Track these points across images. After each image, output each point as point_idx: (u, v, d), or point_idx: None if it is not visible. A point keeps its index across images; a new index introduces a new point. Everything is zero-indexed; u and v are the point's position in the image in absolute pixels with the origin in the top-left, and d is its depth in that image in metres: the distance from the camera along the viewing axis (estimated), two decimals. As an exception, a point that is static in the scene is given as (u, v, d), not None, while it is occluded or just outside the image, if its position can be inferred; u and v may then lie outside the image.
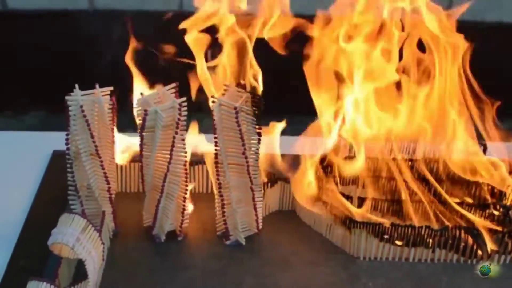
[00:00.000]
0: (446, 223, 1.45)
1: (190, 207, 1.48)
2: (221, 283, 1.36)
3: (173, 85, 1.37)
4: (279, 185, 1.55)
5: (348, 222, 1.43)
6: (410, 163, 1.60)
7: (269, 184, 1.53)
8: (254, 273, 1.39)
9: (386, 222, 1.43)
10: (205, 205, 1.52)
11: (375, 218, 1.45)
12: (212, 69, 1.45)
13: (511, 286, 1.40)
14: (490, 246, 1.42)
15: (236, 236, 1.46)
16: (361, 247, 1.43)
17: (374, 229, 1.42)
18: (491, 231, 1.43)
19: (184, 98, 1.33)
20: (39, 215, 1.51)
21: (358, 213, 1.45)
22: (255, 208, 1.45)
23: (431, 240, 1.42)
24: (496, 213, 1.49)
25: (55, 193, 1.52)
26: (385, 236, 1.41)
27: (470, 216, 1.48)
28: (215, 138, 1.38)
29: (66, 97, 1.33)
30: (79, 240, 1.22)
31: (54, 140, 1.48)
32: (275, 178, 1.55)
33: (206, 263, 1.42)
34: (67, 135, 1.35)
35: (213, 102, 1.36)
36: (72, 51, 2.24)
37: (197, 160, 1.57)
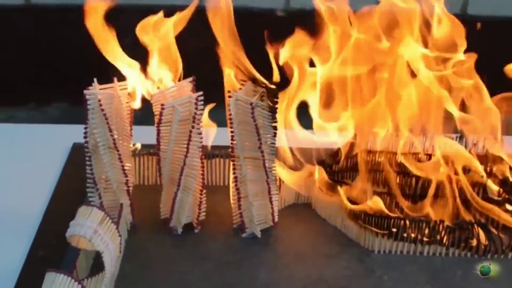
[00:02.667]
0: (464, 217, 1.46)
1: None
2: (236, 275, 1.38)
3: (190, 79, 1.39)
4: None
5: (361, 218, 1.45)
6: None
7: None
8: (269, 265, 1.41)
9: (395, 215, 1.45)
10: (221, 198, 1.53)
11: (387, 212, 1.46)
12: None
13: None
14: (503, 242, 1.43)
15: (252, 229, 1.47)
16: (376, 241, 1.44)
17: (384, 225, 1.43)
18: (504, 227, 1.44)
19: (201, 92, 1.35)
20: (59, 207, 1.53)
21: (371, 207, 1.46)
22: (271, 202, 1.46)
23: (444, 237, 1.43)
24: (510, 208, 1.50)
25: (74, 185, 1.54)
26: (393, 230, 1.43)
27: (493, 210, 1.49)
28: (232, 132, 1.39)
29: (85, 91, 1.34)
30: (96, 232, 1.24)
31: (74, 133, 1.50)
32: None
33: (222, 255, 1.43)
34: (85, 128, 1.37)
35: (230, 97, 1.38)
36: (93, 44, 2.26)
37: (214, 153, 1.59)
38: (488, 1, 2.44)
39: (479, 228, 1.44)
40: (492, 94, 1.54)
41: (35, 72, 2.48)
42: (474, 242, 1.43)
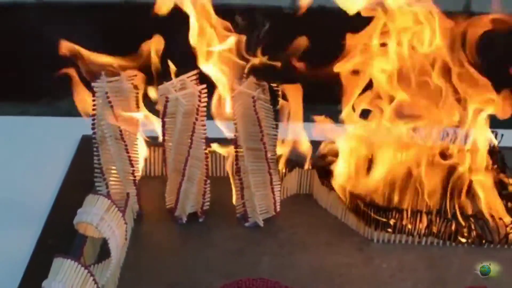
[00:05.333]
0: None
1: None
2: (239, 262, 1.41)
3: (194, 72, 1.43)
4: (297, 171, 1.60)
5: (360, 211, 1.48)
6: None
7: (287, 170, 1.58)
8: (271, 253, 1.44)
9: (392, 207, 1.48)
10: (225, 188, 1.56)
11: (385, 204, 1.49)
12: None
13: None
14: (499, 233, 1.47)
15: (255, 218, 1.51)
16: (375, 231, 1.47)
17: (383, 217, 1.46)
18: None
19: (204, 85, 1.39)
20: (67, 196, 1.56)
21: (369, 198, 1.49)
22: (272, 192, 1.49)
23: (441, 229, 1.46)
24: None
25: (83, 176, 1.57)
26: (391, 223, 1.46)
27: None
28: (235, 124, 1.43)
29: (92, 84, 1.39)
30: (103, 220, 1.27)
31: (84, 125, 1.53)
32: (293, 163, 1.60)
33: (225, 243, 1.46)
34: (93, 120, 1.41)
35: (233, 90, 1.41)
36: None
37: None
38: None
39: (474, 220, 1.48)
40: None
41: (46, 67, 2.52)
42: (468, 234, 1.47)
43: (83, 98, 1.47)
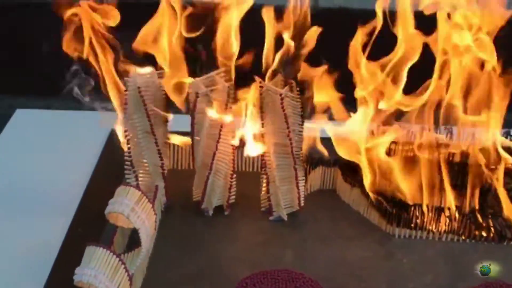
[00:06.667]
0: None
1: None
2: (263, 255, 1.44)
3: (223, 69, 1.47)
4: (320, 168, 1.64)
5: (382, 207, 1.51)
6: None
7: (311, 167, 1.62)
8: (295, 246, 1.47)
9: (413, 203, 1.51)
10: (251, 182, 1.59)
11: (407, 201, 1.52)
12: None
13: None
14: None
15: (279, 212, 1.54)
16: (396, 227, 1.50)
17: (404, 215, 1.50)
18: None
19: (233, 82, 1.43)
20: (98, 188, 1.60)
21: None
22: (297, 187, 1.53)
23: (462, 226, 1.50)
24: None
25: (112, 168, 1.61)
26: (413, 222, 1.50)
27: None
28: (262, 120, 1.47)
29: (125, 78, 1.42)
30: (133, 210, 1.30)
31: (114, 119, 1.56)
32: (317, 161, 1.63)
33: (250, 236, 1.50)
34: (125, 113, 1.45)
35: (261, 87, 1.45)
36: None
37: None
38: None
39: (494, 217, 1.51)
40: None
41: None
42: (487, 231, 1.50)
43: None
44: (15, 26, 2.84)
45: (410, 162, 1.56)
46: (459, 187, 1.56)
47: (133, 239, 1.37)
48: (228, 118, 1.45)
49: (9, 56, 2.85)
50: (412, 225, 1.49)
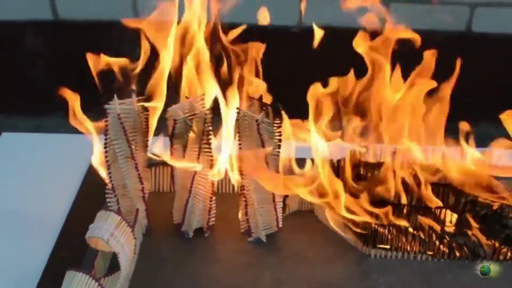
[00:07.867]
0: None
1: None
2: (243, 276, 1.47)
3: (201, 95, 1.50)
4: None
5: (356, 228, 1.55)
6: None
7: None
8: (274, 267, 1.50)
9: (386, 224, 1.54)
10: (230, 204, 1.63)
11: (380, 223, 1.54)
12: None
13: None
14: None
15: (258, 233, 1.57)
16: (372, 248, 1.54)
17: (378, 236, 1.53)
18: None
19: (209, 109, 1.47)
20: (80, 211, 1.62)
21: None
22: (275, 208, 1.56)
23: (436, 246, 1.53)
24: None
25: (94, 191, 1.61)
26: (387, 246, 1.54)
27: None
28: (239, 145, 1.50)
29: (105, 106, 1.44)
30: (113, 235, 1.34)
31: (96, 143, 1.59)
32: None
33: (230, 257, 1.53)
34: (105, 139, 1.47)
35: (238, 113, 1.49)
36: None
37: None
38: (493, 18, 2.48)
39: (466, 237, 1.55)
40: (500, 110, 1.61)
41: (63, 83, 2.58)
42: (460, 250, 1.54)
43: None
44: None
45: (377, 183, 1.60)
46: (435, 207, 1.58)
47: (114, 263, 1.39)
48: (206, 143, 1.49)
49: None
50: (387, 246, 1.53)
